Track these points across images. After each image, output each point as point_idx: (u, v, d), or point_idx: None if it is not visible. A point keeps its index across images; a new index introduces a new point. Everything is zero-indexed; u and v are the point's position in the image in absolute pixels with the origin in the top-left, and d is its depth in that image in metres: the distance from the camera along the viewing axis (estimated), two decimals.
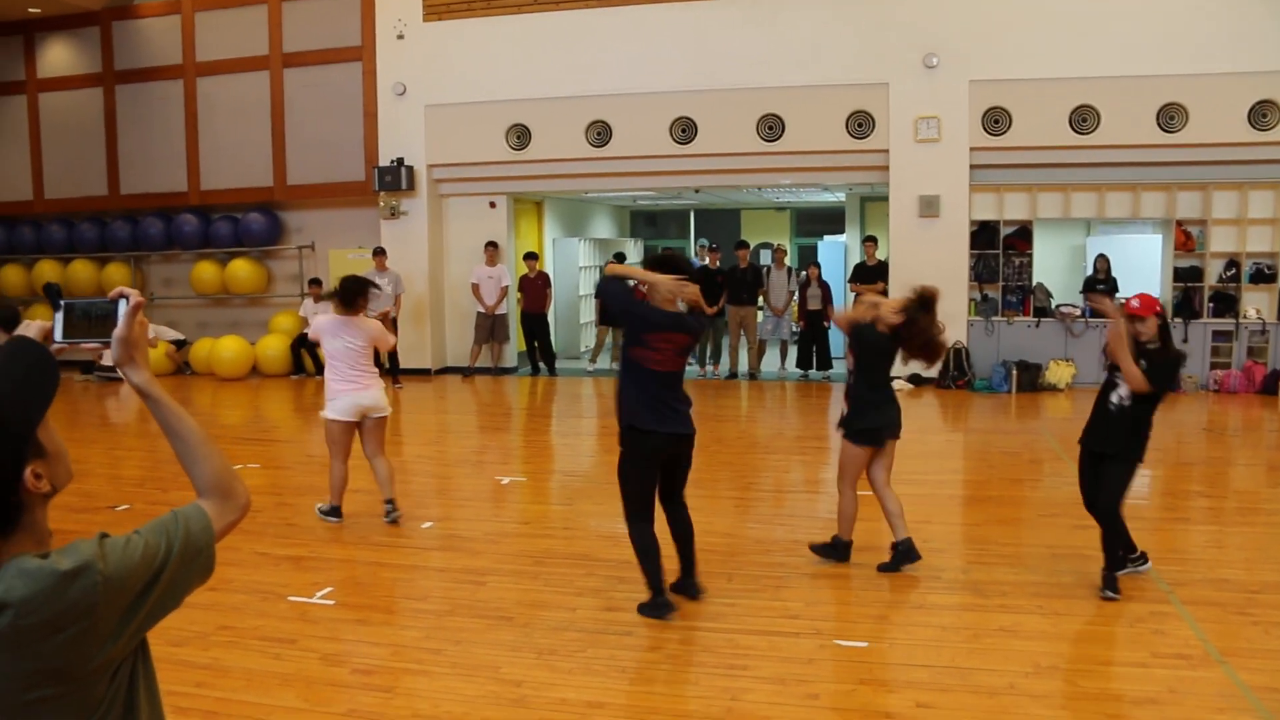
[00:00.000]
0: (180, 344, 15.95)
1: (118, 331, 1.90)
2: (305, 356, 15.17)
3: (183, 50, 16.07)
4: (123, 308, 1.91)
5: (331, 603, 5.66)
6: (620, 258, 16.54)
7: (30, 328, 1.90)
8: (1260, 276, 13.02)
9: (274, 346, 15.42)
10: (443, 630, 5.26)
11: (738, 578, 5.92)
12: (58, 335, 1.95)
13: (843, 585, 5.88)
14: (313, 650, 4.99)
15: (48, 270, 16.78)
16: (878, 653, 4.92)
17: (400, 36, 14.97)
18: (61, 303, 1.97)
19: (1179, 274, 13.23)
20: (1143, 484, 8.51)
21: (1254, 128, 12.57)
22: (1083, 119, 13.01)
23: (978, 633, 5.09)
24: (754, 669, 4.70)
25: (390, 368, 13.90)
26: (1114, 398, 5.59)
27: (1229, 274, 13.10)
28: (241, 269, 16.06)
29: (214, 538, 1.86)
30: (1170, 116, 12.76)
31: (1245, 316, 13.03)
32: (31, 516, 1.70)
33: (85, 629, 1.65)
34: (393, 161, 14.95)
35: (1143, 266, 13.60)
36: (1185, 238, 13.22)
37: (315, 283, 15.17)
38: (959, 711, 4.25)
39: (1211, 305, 13.13)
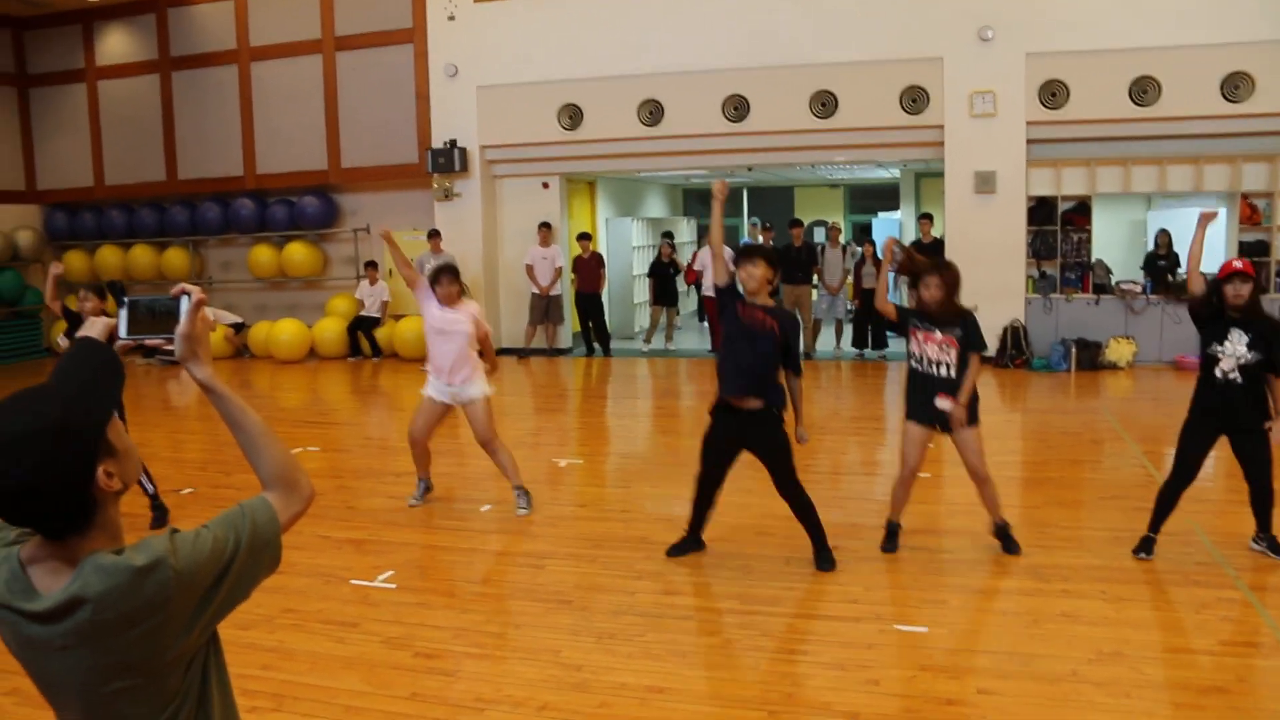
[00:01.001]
0: (239, 327, 16.15)
1: (181, 328, 1.93)
2: (362, 339, 15.31)
3: (237, 35, 16.23)
4: (185, 304, 1.94)
5: (393, 586, 5.73)
6: (669, 236, 16.53)
7: (95, 325, 1.93)
8: None
9: (331, 329, 15.56)
10: (503, 614, 5.31)
11: (795, 561, 5.90)
12: (122, 331, 1.98)
13: (902, 569, 5.84)
14: (375, 634, 5.05)
15: (109, 255, 17.06)
16: (938, 638, 4.88)
17: (451, 18, 14.99)
18: (125, 300, 2.00)
19: (1244, 248, 12.93)
20: (1207, 466, 8.37)
21: None
22: (1143, 90, 12.75)
23: (1038, 618, 5.05)
24: (814, 654, 4.69)
25: None
26: (1218, 372, 5.55)
27: None
28: (298, 252, 16.22)
29: (280, 529, 1.89)
30: (1235, 86, 12.46)
31: None
32: (105, 514, 1.75)
33: (159, 623, 1.69)
34: (446, 143, 15.01)
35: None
36: (1251, 211, 12.94)
37: (371, 265, 15.30)
38: (1021, 698, 4.21)
39: (1279, 280, 12.85)
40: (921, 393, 5.89)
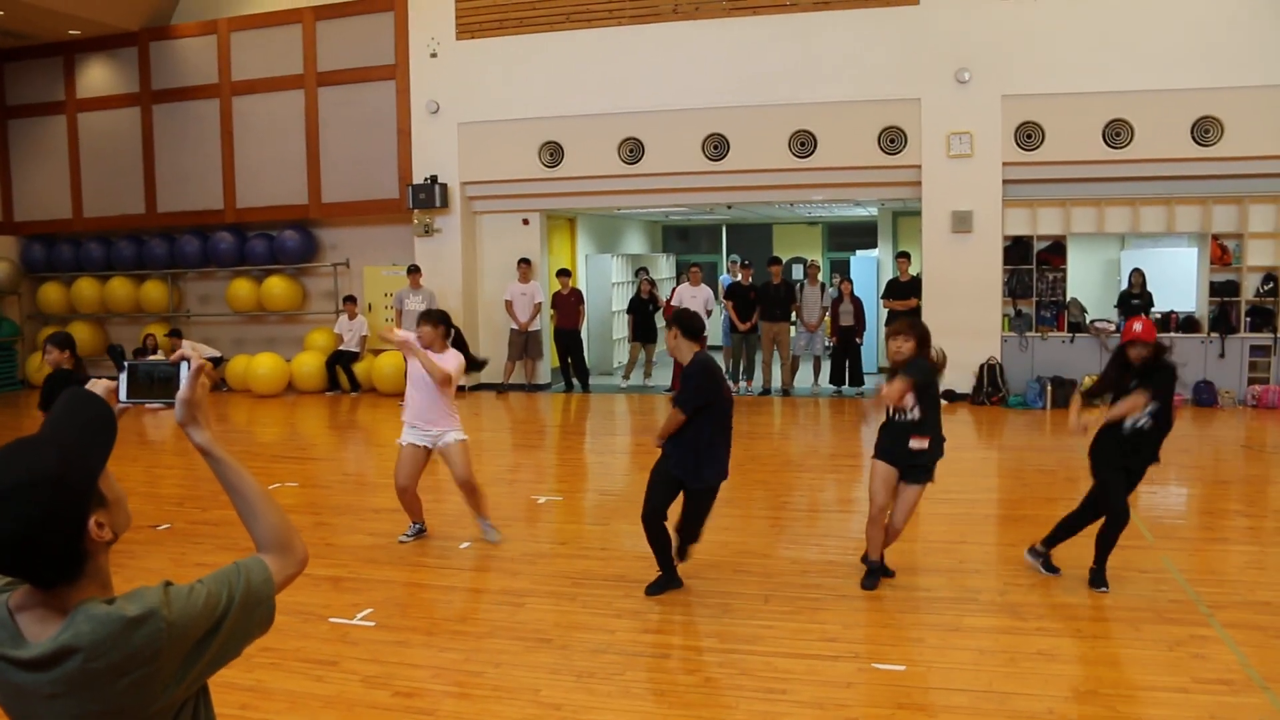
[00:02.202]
0: (216, 361, 16.11)
1: (181, 393, 1.96)
2: (341, 373, 15.29)
3: (219, 70, 16.26)
4: (185, 370, 1.97)
5: (372, 624, 5.71)
6: (645, 271, 16.61)
7: (96, 388, 1.96)
8: None
9: (309, 363, 15.54)
10: (482, 652, 5.30)
11: (774, 599, 5.93)
12: (122, 395, 2.01)
13: (880, 608, 5.88)
14: (354, 672, 5.04)
15: (86, 288, 17.01)
16: (915, 676, 4.91)
17: (434, 55, 15.09)
18: (125, 364, 2.03)
19: (1215, 288, 13.13)
20: (1179, 502, 8.45)
21: None
22: (1116, 133, 12.95)
23: (1015, 656, 5.08)
24: (792, 693, 4.71)
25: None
26: (1128, 421, 5.94)
27: (1266, 288, 12.97)
28: (277, 286, 16.21)
29: (274, 589, 1.91)
30: (1205, 130, 12.67)
31: None
32: (96, 564, 1.77)
33: (149, 673, 1.70)
34: (426, 179, 15.08)
35: (1178, 280, 13.52)
36: (1221, 252, 13.12)
37: (350, 300, 15.31)
38: None
39: (1249, 320, 13.01)
40: (889, 436, 6.11)
